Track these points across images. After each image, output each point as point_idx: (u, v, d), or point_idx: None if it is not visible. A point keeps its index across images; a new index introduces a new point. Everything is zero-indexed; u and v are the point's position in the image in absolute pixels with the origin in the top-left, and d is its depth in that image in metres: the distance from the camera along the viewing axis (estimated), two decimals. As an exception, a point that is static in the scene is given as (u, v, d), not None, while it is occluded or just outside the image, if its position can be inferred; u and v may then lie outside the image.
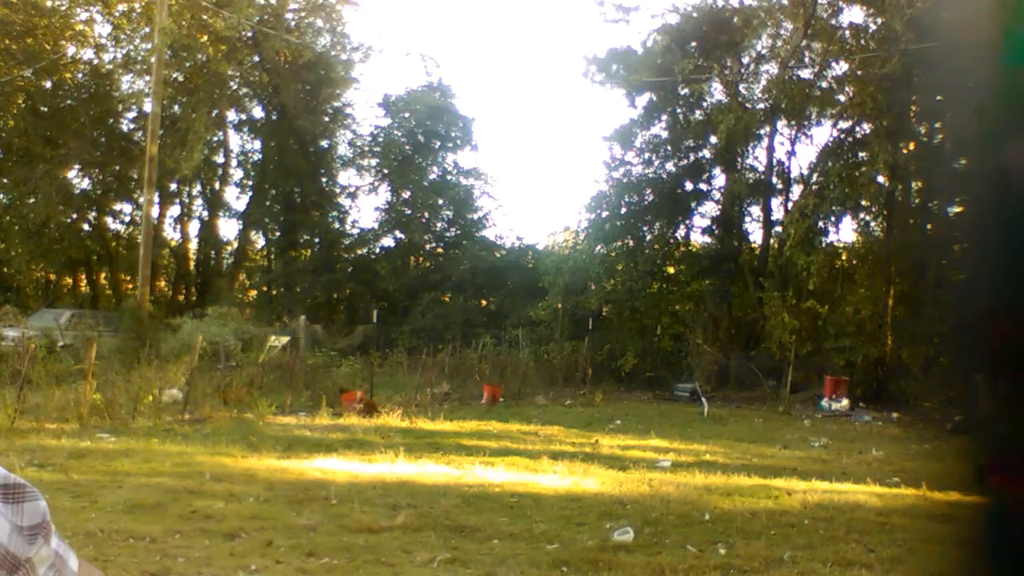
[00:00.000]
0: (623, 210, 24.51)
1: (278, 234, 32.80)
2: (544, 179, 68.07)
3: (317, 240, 31.76)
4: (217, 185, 33.76)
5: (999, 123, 0.63)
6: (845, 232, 33.08)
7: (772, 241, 23.84)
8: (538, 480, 8.59)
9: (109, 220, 32.79)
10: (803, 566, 5.63)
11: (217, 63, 26.62)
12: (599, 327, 23.42)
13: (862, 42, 22.11)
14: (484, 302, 28.34)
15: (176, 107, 28.02)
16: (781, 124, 23.98)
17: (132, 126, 30.80)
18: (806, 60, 23.43)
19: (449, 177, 31.31)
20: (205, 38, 26.62)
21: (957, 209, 0.73)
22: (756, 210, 25.12)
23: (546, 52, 74.43)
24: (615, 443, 11.99)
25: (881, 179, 22.15)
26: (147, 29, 26.12)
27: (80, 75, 30.18)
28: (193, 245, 34.46)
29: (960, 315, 0.69)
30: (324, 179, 31.97)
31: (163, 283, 33.52)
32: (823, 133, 33.17)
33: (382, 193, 32.19)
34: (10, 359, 14.31)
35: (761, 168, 24.73)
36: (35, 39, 27.86)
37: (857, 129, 22.88)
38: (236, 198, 34.70)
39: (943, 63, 0.66)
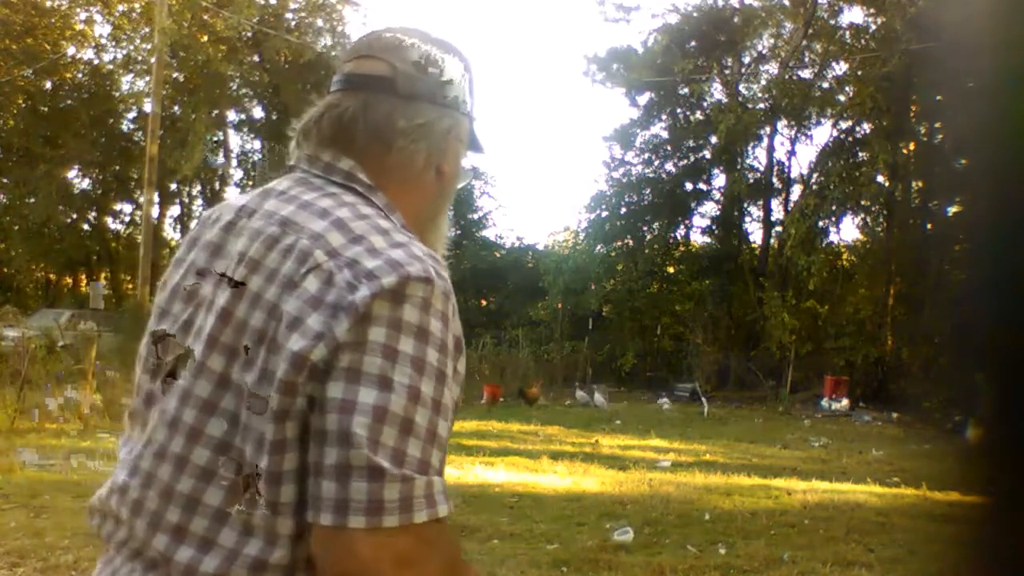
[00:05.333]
0: (623, 210, 24.54)
1: (278, 234, 32.72)
2: (544, 179, 68.25)
3: (317, 240, 31.70)
4: (217, 185, 33.74)
5: (999, 123, 0.63)
6: (846, 232, 33.17)
7: (772, 241, 23.86)
8: (538, 480, 8.59)
9: (109, 220, 32.81)
10: (803, 566, 5.62)
11: (217, 63, 26.61)
12: (599, 327, 23.42)
13: (862, 42, 22.13)
14: (484, 302, 28.32)
15: (176, 107, 28.03)
16: (781, 124, 24.00)
17: (132, 126, 30.80)
18: (806, 60, 23.45)
19: (449, 177, 31.28)
20: (205, 38, 26.62)
21: (957, 209, 0.73)
22: (756, 210, 25.16)
23: (546, 51, 74.64)
24: (615, 443, 11.99)
25: (881, 179, 22.15)
26: (147, 29, 26.13)
27: (80, 75, 30.17)
28: (193, 245, 34.41)
29: (960, 315, 0.69)
30: (324, 179, 31.90)
31: (163, 283, 33.48)
32: (823, 133, 33.17)
33: (382, 193, 32.17)
34: (10, 359, 14.30)
35: (761, 168, 24.75)
36: (35, 39, 27.87)
37: (857, 129, 22.88)
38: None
39: (943, 63, 0.66)
